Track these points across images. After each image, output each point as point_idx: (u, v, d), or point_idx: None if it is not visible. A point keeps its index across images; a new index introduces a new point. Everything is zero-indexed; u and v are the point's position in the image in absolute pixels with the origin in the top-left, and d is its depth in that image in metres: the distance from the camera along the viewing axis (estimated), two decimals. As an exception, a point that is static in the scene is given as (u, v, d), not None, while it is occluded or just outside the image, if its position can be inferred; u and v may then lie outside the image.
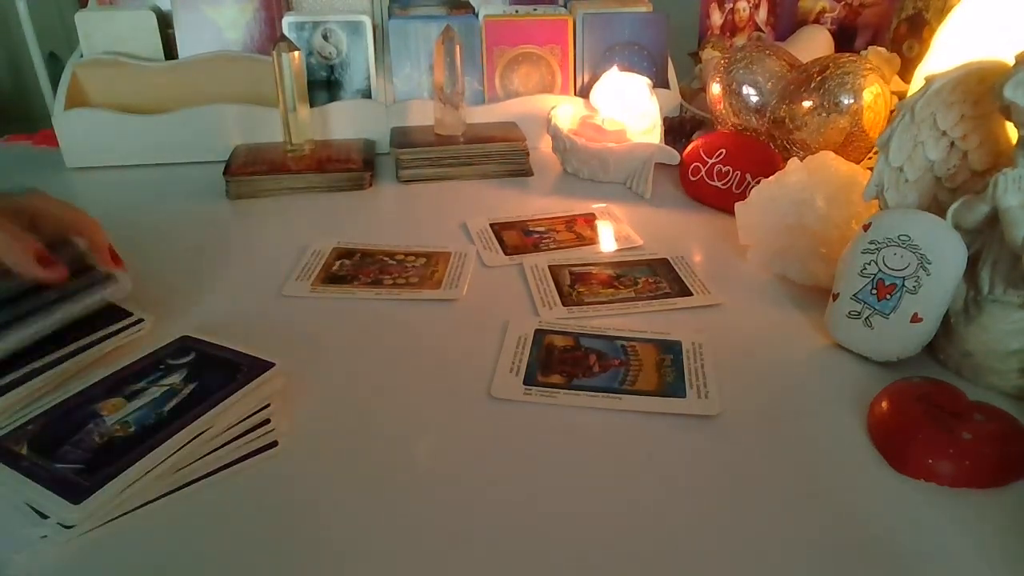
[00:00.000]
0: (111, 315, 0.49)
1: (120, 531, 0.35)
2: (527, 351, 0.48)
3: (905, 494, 0.37)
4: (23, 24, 1.50)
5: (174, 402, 0.40)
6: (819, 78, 0.67)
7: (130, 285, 0.49)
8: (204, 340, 0.46)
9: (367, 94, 0.83)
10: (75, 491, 0.34)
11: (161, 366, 0.43)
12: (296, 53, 0.72)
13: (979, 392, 0.43)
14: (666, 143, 0.76)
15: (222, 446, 0.39)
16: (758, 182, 0.62)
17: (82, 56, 0.80)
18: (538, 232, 0.66)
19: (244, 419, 0.40)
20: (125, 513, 0.35)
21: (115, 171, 0.78)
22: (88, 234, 0.49)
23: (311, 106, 0.77)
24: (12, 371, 0.42)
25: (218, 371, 0.42)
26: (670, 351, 0.48)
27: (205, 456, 0.38)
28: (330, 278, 0.57)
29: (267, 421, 0.40)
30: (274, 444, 0.40)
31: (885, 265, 0.46)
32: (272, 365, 0.43)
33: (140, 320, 0.49)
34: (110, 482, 0.35)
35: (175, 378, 0.42)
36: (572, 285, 0.56)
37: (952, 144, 0.48)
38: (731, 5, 1.00)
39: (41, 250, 0.44)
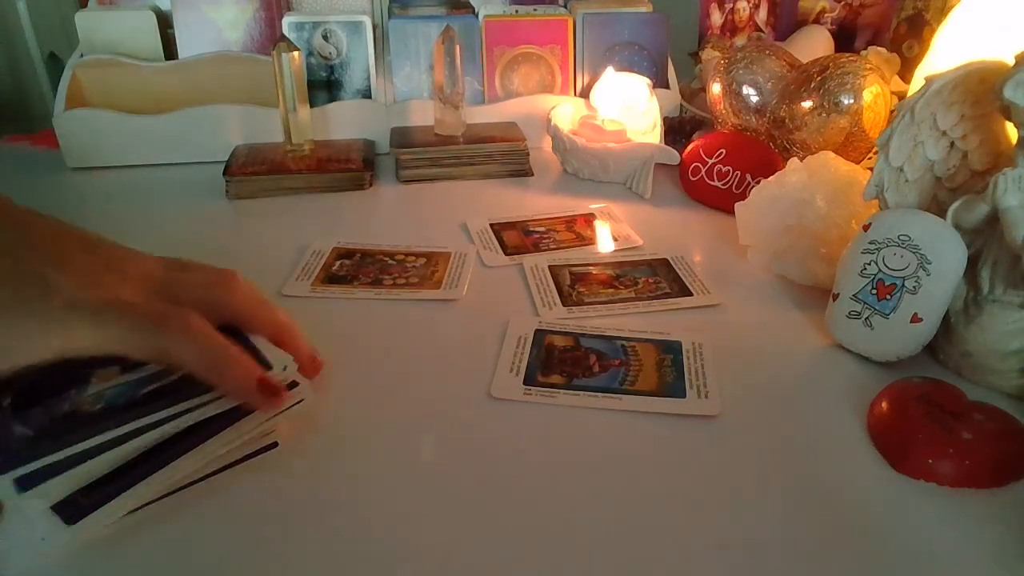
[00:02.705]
0: None
1: (117, 534, 0.35)
2: (527, 351, 0.48)
3: (905, 494, 0.37)
4: (23, 24, 1.50)
5: (155, 386, 0.37)
6: (819, 78, 0.67)
7: (311, 393, 0.40)
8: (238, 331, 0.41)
9: (367, 94, 0.83)
10: (70, 512, 0.33)
11: None
12: (296, 53, 0.72)
13: (979, 392, 0.43)
14: (666, 143, 0.76)
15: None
16: (758, 182, 0.62)
17: (82, 56, 0.80)
18: (538, 232, 0.66)
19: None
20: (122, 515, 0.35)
21: (115, 171, 0.78)
22: (291, 345, 0.42)
23: (311, 106, 0.77)
24: None
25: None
26: (670, 351, 0.48)
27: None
28: (330, 278, 0.57)
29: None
30: (274, 445, 0.40)
31: (885, 265, 0.46)
32: (295, 385, 0.40)
33: None
34: (105, 506, 0.34)
35: None
36: (572, 285, 0.56)
37: (952, 144, 0.48)
38: (731, 5, 1.00)
39: (262, 376, 0.38)
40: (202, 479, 0.37)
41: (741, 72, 0.73)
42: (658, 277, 0.58)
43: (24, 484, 0.33)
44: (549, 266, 0.59)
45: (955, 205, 0.45)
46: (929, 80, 0.45)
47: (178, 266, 0.41)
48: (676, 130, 0.86)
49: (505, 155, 0.78)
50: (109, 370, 0.38)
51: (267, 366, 0.39)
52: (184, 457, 0.36)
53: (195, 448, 0.37)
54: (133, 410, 0.36)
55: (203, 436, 0.37)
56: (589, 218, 0.68)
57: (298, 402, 0.39)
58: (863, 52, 0.82)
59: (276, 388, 0.38)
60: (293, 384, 0.40)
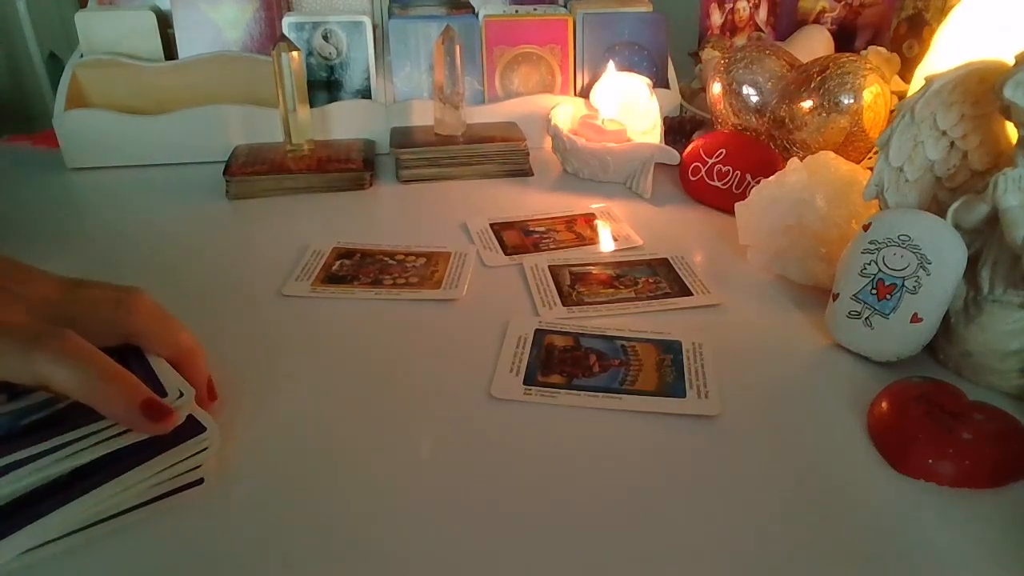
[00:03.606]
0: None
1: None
2: (527, 351, 0.48)
3: (905, 494, 0.37)
4: (23, 24, 1.50)
5: (38, 416, 0.34)
6: (819, 78, 0.67)
7: (218, 439, 0.37)
8: (144, 356, 0.39)
9: (367, 94, 0.83)
10: None
11: None
12: (296, 53, 0.72)
13: (979, 392, 0.43)
14: (666, 143, 0.76)
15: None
16: (758, 182, 0.62)
17: (82, 56, 0.80)
18: (538, 232, 0.66)
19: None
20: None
21: (115, 171, 0.78)
22: (190, 370, 0.40)
23: (311, 106, 0.77)
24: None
25: None
26: (670, 351, 0.48)
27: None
28: (330, 278, 0.57)
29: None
30: (200, 482, 0.37)
31: (885, 265, 0.46)
32: (203, 430, 0.36)
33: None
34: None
35: None
36: (572, 285, 0.56)
37: (952, 144, 0.48)
38: (731, 5, 1.00)
39: (146, 395, 0.35)
40: (114, 516, 0.34)
41: (741, 72, 0.73)
42: (658, 277, 0.58)
43: None
44: (549, 266, 0.59)
45: (955, 205, 0.45)
46: (929, 80, 0.45)
47: (77, 285, 0.39)
48: (676, 130, 0.86)
49: (505, 155, 0.78)
50: None
51: (162, 391, 0.36)
52: (83, 498, 0.33)
53: (96, 488, 0.33)
54: (9, 443, 0.33)
55: (110, 473, 0.34)
56: (589, 218, 0.68)
57: (201, 451, 0.36)
58: (863, 52, 0.82)
59: (164, 411, 0.35)
60: (200, 428, 0.36)
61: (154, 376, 0.37)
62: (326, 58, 0.82)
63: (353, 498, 0.37)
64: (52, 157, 0.79)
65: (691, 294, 0.55)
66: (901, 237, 0.45)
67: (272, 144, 0.77)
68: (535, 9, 0.87)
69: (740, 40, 0.99)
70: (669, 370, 0.47)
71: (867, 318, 0.47)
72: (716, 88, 0.75)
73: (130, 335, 0.39)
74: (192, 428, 0.36)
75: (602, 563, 0.34)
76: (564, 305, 0.54)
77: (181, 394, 0.36)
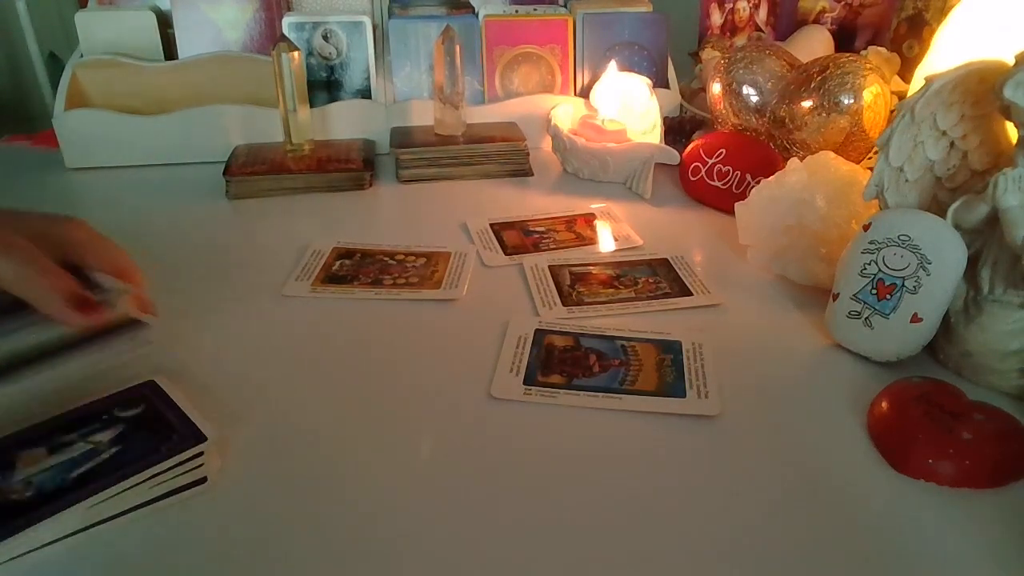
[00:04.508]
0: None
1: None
2: (527, 351, 0.48)
3: (905, 494, 0.37)
4: (23, 24, 1.50)
5: (85, 468, 0.36)
6: (819, 78, 0.67)
7: (155, 335, 0.42)
8: (164, 392, 0.41)
9: (367, 94, 0.83)
10: None
11: (105, 415, 0.39)
12: (296, 53, 0.72)
13: (979, 392, 0.43)
14: (666, 143, 0.76)
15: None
16: (758, 182, 0.62)
17: (82, 56, 0.80)
18: (538, 232, 0.66)
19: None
20: (29, 552, 0.33)
21: (115, 171, 0.78)
22: (129, 280, 0.42)
23: (311, 106, 0.77)
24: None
25: (151, 436, 0.38)
26: (670, 351, 0.48)
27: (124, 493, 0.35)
28: (330, 278, 0.57)
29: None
30: (203, 480, 0.37)
31: (885, 265, 0.46)
32: (204, 440, 0.37)
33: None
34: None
35: (105, 435, 0.38)
36: (572, 285, 0.56)
37: (952, 144, 0.48)
38: (731, 5, 1.00)
39: (75, 289, 0.38)
40: (117, 515, 0.35)
41: (741, 72, 0.73)
42: (658, 277, 0.58)
43: None
44: (549, 266, 0.59)
45: (955, 205, 0.45)
46: (929, 80, 0.45)
47: (16, 212, 0.42)
48: (676, 130, 0.86)
49: (505, 155, 0.78)
50: (35, 453, 0.37)
51: (99, 288, 0.40)
52: (80, 504, 0.34)
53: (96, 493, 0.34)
54: (65, 495, 0.34)
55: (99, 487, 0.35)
56: (589, 218, 0.68)
57: (145, 345, 0.41)
58: (863, 52, 0.83)
59: (91, 303, 0.39)
60: (140, 324, 0.41)
61: (90, 281, 0.41)
62: (326, 58, 0.82)
63: (353, 498, 0.37)
64: (52, 157, 0.79)
65: (691, 294, 0.55)
66: (901, 237, 0.45)
67: (272, 144, 0.77)
68: (535, 9, 0.87)
69: (740, 40, 0.99)
70: (669, 370, 0.47)
71: (867, 318, 0.47)
72: (716, 88, 0.75)
73: (67, 249, 0.41)
74: (132, 325, 0.41)
75: (602, 563, 0.34)
76: (564, 305, 0.54)
77: (118, 289, 0.41)
